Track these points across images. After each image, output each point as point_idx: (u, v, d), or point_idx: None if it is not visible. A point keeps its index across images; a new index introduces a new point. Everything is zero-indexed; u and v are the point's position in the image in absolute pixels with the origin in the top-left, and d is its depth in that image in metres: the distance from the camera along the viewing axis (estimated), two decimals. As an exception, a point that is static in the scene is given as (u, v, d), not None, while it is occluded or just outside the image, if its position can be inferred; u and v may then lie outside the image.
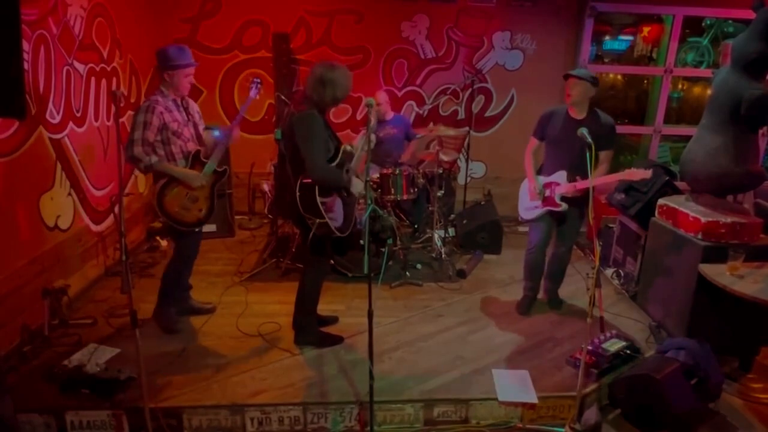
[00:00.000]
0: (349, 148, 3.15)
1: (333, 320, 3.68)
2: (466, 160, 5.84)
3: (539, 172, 3.78)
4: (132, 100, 4.94)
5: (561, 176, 3.59)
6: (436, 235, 4.82)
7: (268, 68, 5.61)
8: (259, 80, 3.58)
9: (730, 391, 3.26)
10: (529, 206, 3.78)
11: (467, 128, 5.65)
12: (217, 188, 3.44)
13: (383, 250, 4.34)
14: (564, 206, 3.60)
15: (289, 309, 3.43)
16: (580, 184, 3.46)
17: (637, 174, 3.36)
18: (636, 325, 3.78)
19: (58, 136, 3.73)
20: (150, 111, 3.11)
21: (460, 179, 5.86)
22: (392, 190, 4.42)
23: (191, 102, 3.46)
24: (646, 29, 7.09)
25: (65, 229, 3.83)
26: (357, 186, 3.18)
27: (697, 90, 7.70)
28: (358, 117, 5.95)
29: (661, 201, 3.86)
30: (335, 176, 3.05)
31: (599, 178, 3.44)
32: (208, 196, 3.37)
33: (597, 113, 3.56)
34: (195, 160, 3.31)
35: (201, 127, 3.49)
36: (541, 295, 4.05)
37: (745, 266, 3.18)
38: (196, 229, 3.38)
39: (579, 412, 2.87)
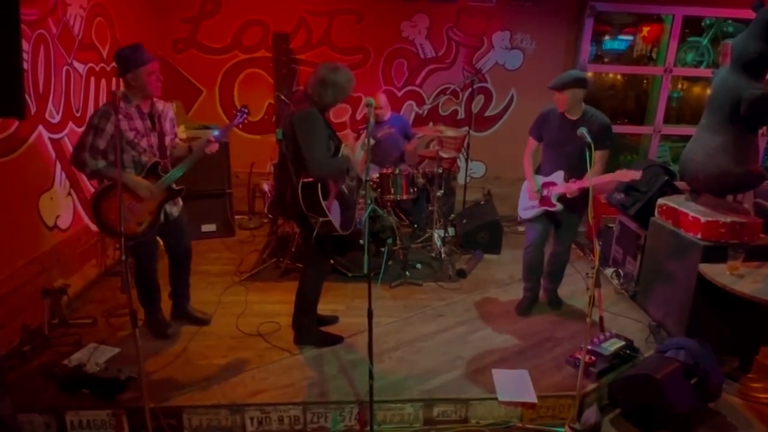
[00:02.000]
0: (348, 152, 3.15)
1: (333, 320, 3.68)
2: (466, 160, 5.84)
3: (537, 172, 3.79)
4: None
5: (558, 176, 3.59)
6: (436, 235, 4.81)
7: (268, 68, 5.62)
8: (246, 111, 3.38)
9: (730, 391, 3.26)
10: (527, 206, 3.78)
11: (467, 128, 5.65)
12: (180, 197, 3.21)
13: (383, 250, 4.35)
14: (559, 206, 3.59)
15: (289, 309, 3.43)
16: (576, 184, 3.45)
17: (627, 175, 3.33)
18: (636, 325, 3.78)
19: (58, 136, 3.73)
20: (104, 117, 2.88)
21: (460, 179, 5.86)
22: (392, 190, 4.42)
23: (166, 110, 3.21)
24: (645, 29, 7.08)
25: (65, 229, 3.83)
26: (357, 154, 3.14)
27: (697, 90, 7.69)
28: (358, 117, 5.95)
29: (660, 201, 3.87)
30: (338, 167, 3.05)
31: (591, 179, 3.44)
32: (152, 211, 3.08)
33: (592, 113, 3.55)
34: (151, 172, 3.06)
35: (169, 138, 3.23)
36: (540, 295, 4.05)
37: (744, 266, 3.18)
38: (130, 243, 2.98)
39: (579, 412, 2.87)
